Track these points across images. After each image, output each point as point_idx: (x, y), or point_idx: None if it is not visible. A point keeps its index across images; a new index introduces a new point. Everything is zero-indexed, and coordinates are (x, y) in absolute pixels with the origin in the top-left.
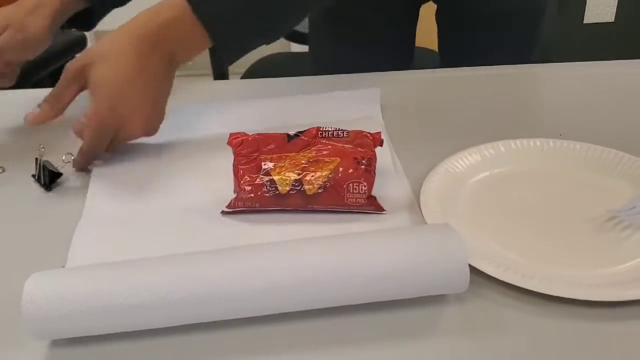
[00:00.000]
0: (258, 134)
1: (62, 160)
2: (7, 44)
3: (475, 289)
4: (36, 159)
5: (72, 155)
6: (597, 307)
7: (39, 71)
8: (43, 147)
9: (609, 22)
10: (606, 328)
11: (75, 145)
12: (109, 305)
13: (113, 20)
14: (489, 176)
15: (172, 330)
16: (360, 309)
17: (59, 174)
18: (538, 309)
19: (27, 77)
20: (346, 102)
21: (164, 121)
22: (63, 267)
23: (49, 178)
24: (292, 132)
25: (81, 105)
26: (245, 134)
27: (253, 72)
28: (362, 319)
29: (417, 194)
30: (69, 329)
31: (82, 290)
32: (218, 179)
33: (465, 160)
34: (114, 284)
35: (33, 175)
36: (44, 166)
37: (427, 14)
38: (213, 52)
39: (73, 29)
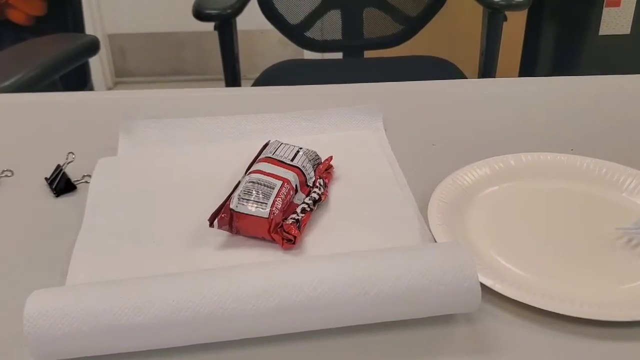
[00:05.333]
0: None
1: (80, 177)
2: None
3: (483, 306)
4: (58, 165)
5: (90, 177)
6: (608, 327)
7: (51, 75)
8: (74, 156)
9: (625, 35)
10: (618, 348)
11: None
12: (112, 325)
13: (125, 23)
14: (498, 190)
15: (176, 351)
16: (368, 329)
17: (74, 187)
18: (547, 327)
19: (39, 81)
20: (348, 119)
21: (166, 132)
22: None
23: (63, 186)
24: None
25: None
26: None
27: (265, 78)
28: (370, 339)
29: (424, 207)
30: (70, 350)
31: (85, 310)
32: (220, 193)
33: (474, 174)
34: (117, 303)
35: (46, 178)
36: (63, 173)
37: (442, 25)
38: (226, 58)
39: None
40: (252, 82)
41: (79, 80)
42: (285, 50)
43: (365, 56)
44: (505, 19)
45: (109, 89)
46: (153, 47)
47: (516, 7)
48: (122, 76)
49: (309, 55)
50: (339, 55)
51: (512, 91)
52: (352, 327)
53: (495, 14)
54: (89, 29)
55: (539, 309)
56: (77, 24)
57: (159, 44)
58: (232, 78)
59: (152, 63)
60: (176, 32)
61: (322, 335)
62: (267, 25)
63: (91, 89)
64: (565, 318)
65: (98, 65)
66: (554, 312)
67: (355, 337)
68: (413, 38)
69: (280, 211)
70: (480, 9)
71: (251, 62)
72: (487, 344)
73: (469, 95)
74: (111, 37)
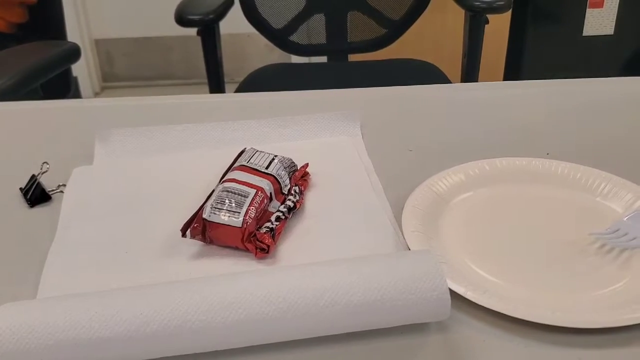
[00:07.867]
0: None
1: (55, 187)
2: None
3: (456, 314)
4: (33, 175)
5: (65, 187)
6: (581, 334)
7: (31, 83)
8: (48, 165)
9: (608, 35)
10: (591, 355)
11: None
12: (79, 339)
13: (111, 28)
14: (473, 196)
15: None
16: (339, 339)
17: (48, 197)
18: (519, 335)
19: (19, 89)
20: (326, 125)
21: (143, 141)
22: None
23: (38, 197)
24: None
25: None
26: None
27: (250, 82)
28: (341, 349)
29: (399, 214)
30: None
31: (51, 324)
32: (194, 202)
33: (449, 180)
34: (84, 317)
35: (21, 188)
36: (38, 184)
37: (425, 28)
38: (209, 63)
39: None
40: (235, 85)
41: (61, 87)
42: (273, 53)
43: (349, 60)
44: (487, 21)
45: (96, 94)
46: (140, 51)
47: (497, 10)
48: (109, 81)
49: (296, 58)
50: (324, 59)
51: (488, 96)
52: (323, 337)
53: (477, 17)
54: (75, 35)
55: (512, 316)
56: (59, 31)
57: (146, 48)
58: (216, 82)
59: (139, 68)
60: (162, 36)
61: (292, 346)
62: (254, 29)
63: (76, 95)
64: (537, 325)
65: (85, 71)
66: (526, 320)
67: (326, 348)
68: (397, 41)
69: (254, 220)
70: (462, 11)
71: (239, 65)
72: (460, 353)
73: (446, 101)
74: (98, 43)
